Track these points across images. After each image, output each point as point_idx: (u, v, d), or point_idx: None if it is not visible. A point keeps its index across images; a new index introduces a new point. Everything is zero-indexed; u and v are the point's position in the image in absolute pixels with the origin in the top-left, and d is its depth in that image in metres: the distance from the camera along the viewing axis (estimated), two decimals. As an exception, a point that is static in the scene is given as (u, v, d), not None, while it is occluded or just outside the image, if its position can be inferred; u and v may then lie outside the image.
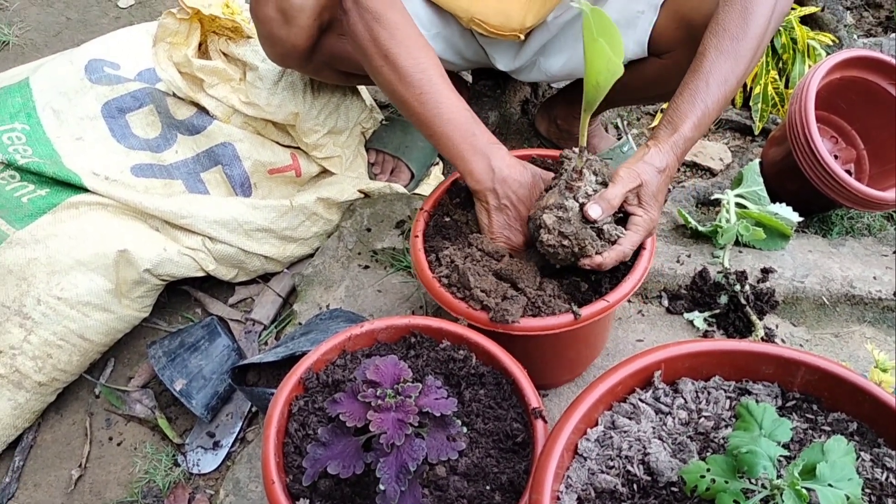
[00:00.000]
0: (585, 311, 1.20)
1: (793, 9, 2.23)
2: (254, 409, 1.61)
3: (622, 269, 1.28)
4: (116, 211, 1.67)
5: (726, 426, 0.99)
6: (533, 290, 1.25)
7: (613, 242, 1.23)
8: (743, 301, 1.58)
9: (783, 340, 1.58)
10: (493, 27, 1.63)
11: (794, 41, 2.16)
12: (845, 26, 2.44)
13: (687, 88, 1.25)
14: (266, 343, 1.74)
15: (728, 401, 1.03)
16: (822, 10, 2.43)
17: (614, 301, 1.21)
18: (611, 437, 0.98)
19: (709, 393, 1.04)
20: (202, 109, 1.81)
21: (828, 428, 0.98)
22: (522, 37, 1.65)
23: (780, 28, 2.14)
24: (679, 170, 2.17)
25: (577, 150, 1.26)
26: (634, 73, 1.64)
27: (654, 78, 1.54)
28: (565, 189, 1.23)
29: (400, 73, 1.31)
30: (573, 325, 1.20)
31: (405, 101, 1.32)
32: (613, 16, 1.58)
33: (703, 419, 1.00)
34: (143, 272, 1.64)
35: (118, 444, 1.66)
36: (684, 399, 1.03)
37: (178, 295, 1.86)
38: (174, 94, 1.81)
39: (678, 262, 1.69)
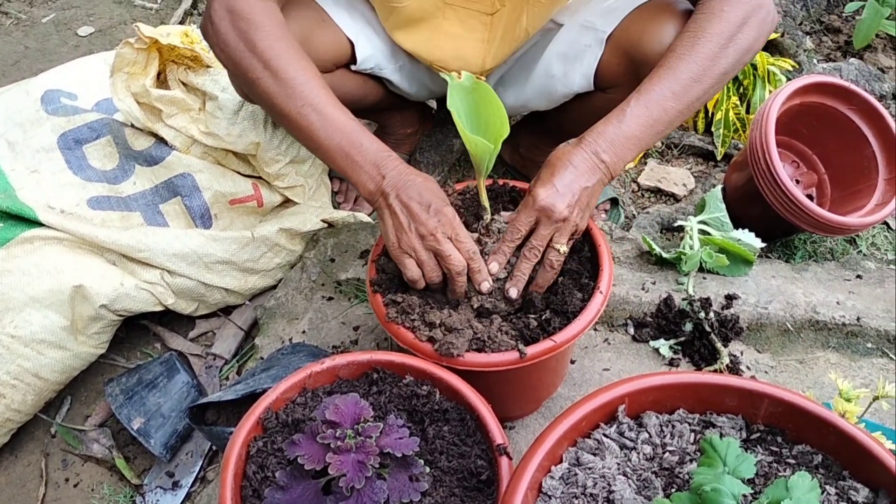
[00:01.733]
0: (531, 350, 1.19)
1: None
2: (214, 448, 1.58)
3: (577, 301, 1.27)
4: (72, 245, 1.63)
5: (691, 460, 0.98)
6: (480, 324, 1.25)
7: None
8: (708, 328, 1.57)
9: (748, 367, 1.58)
10: (454, 70, 1.63)
11: (755, 67, 2.19)
12: (805, 51, 2.47)
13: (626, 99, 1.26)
14: (227, 378, 1.71)
15: (692, 434, 1.02)
16: (782, 35, 2.46)
17: (561, 342, 1.20)
18: (575, 475, 0.97)
19: (673, 426, 1.03)
20: (161, 140, 1.78)
21: (792, 461, 0.97)
22: (484, 78, 1.65)
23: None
24: (643, 196, 2.18)
25: (486, 214, 1.29)
26: (583, 105, 1.66)
27: (601, 111, 1.56)
28: (479, 241, 1.27)
29: (280, 83, 1.26)
30: (519, 363, 1.19)
31: (286, 113, 1.27)
32: (562, 48, 1.59)
33: (667, 454, 0.99)
34: (99, 308, 1.60)
35: (75, 486, 1.62)
36: (649, 433, 1.02)
37: (136, 329, 1.82)
38: (132, 125, 1.78)
39: (643, 289, 1.68)
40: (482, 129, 1.21)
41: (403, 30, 1.61)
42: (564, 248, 1.23)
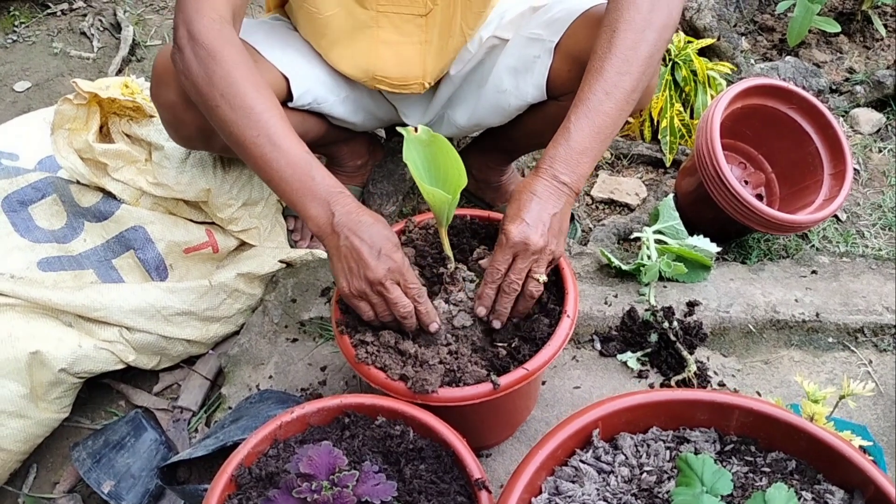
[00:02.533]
0: (504, 380, 1.19)
1: (689, 42, 2.29)
2: (188, 505, 1.55)
3: (544, 326, 1.27)
4: (25, 310, 1.59)
5: (669, 479, 0.98)
6: (451, 356, 1.25)
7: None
8: (672, 337, 1.59)
9: (715, 373, 1.60)
10: (396, 80, 1.63)
11: (695, 73, 2.22)
12: (742, 52, 2.52)
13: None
14: (196, 430, 1.68)
15: (668, 451, 1.02)
16: (718, 39, 2.51)
17: (533, 369, 1.20)
18: (556, 505, 0.96)
19: (648, 446, 1.03)
20: (108, 194, 1.75)
21: (767, 469, 0.98)
22: (427, 84, 1.65)
23: (679, 62, 2.20)
24: (598, 208, 2.20)
25: (449, 263, 1.30)
26: (537, 116, 1.67)
27: (556, 120, 1.57)
28: (443, 297, 1.30)
29: (236, 112, 1.25)
30: (493, 394, 1.19)
31: (242, 142, 1.26)
32: (511, 62, 1.61)
33: (645, 474, 0.99)
34: (58, 372, 1.56)
35: (47, 556, 1.57)
36: (625, 455, 1.02)
37: (99, 389, 1.78)
38: (77, 182, 1.75)
39: (606, 303, 1.69)
40: (440, 181, 1.23)
41: (339, 46, 1.60)
42: (544, 278, 1.25)
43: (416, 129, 1.22)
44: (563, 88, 1.56)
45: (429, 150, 1.22)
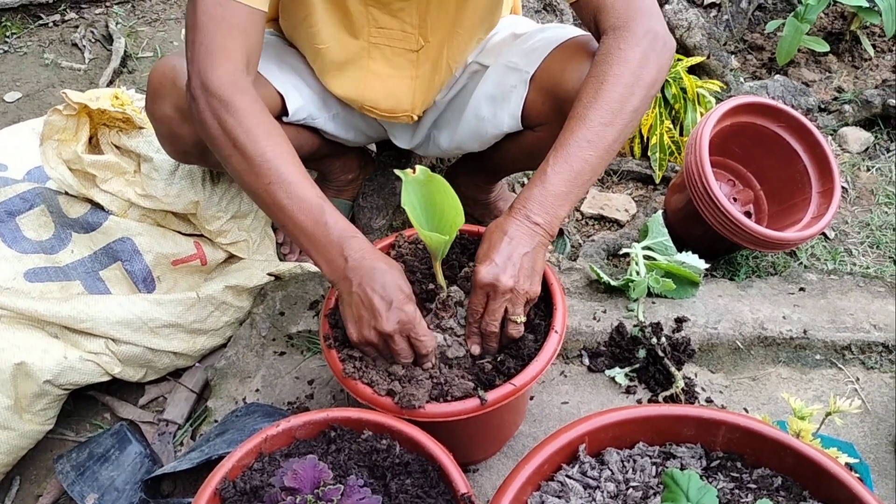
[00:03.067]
0: (492, 396, 1.19)
1: (679, 59, 2.31)
2: (173, 519, 1.53)
3: (530, 342, 1.27)
4: (11, 321, 1.58)
5: (654, 494, 0.98)
6: (438, 371, 1.25)
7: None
8: (661, 353, 1.59)
9: (703, 389, 1.60)
10: (385, 111, 1.64)
11: (684, 91, 2.24)
12: (731, 71, 2.54)
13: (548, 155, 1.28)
14: (182, 444, 1.67)
15: (654, 467, 1.02)
16: (708, 57, 2.53)
17: (521, 384, 1.20)
18: (541, 520, 0.96)
19: (634, 461, 1.03)
20: (97, 205, 1.75)
21: (753, 485, 0.98)
22: (416, 116, 1.66)
23: (669, 79, 2.21)
24: (587, 224, 2.20)
25: (441, 292, 1.30)
26: (514, 144, 1.68)
27: (531, 150, 1.56)
28: (434, 322, 1.29)
29: (248, 161, 1.25)
30: (480, 409, 1.18)
31: (255, 190, 1.27)
32: (490, 90, 1.61)
33: (631, 490, 0.99)
34: (43, 384, 1.55)
35: (29, 570, 1.56)
36: (611, 470, 1.02)
37: (84, 401, 1.77)
38: (66, 193, 1.74)
39: (595, 318, 1.70)
40: (437, 219, 1.22)
41: (332, 73, 1.61)
42: (522, 318, 1.24)
43: (413, 170, 1.21)
44: (538, 119, 1.57)
45: (426, 189, 1.22)
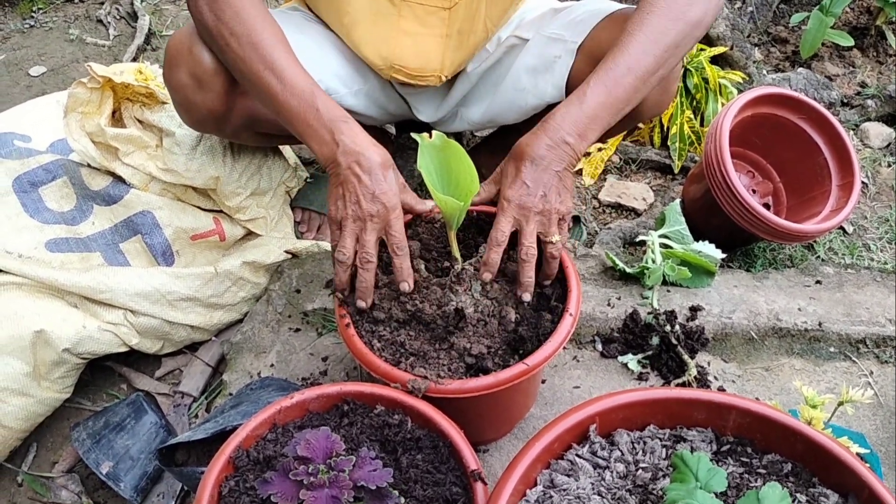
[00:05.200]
0: (504, 375, 1.19)
1: (702, 49, 2.30)
2: (186, 489, 1.55)
3: (547, 323, 1.28)
4: (31, 289, 1.61)
5: (664, 476, 0.99)
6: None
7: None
8: (674, 341, 1.59)
9: (716, 378, 1.60)
10: (414, 70, 1.63)
11: (706, 81, 2.23)
12: (754, 62, 2.53)
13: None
14: (196, 416, 1.69)
15: (664, 449, 1.02)
16: (731, 48, 2.51)
17: (533, 365, 1.20)
18: (550, 497, 0.97)
19: (644, 443, 1.04)
20: (118, 178, 1.76)
21: (763, 470, 0.99)
22: (444, 77, 1.66)
23: (691, 69, 2.21)
24: (604, 212, 2.20)
25: (456, 264, 1.30)
26: None
27: None
28: (450, 289, 1.28)
29: (245, 49, 1.28)
30: (492, 387, 1.19)
31: (250, 77, 1.29)
32: (531, 61, 1.61)
33: (640, 471, 0.99)
34: (62, 352, 1.57)
35: (44, 535, 1.58)
36: (621, 451, 1.02)
37: (101, 371, 1.79)
38: (88, 165, 1.76)
39: (609, 304, 1.70)
40: (452, 185, 1.23)
41: (360, 28, 1.61)
42: (558, 237, 1.25)
43: (430, 135, 1.23)
44: None
45: (442, 154, 1.23)
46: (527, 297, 1.27)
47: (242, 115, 1.57)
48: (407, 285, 1.26)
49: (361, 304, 1.26)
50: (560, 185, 1.25)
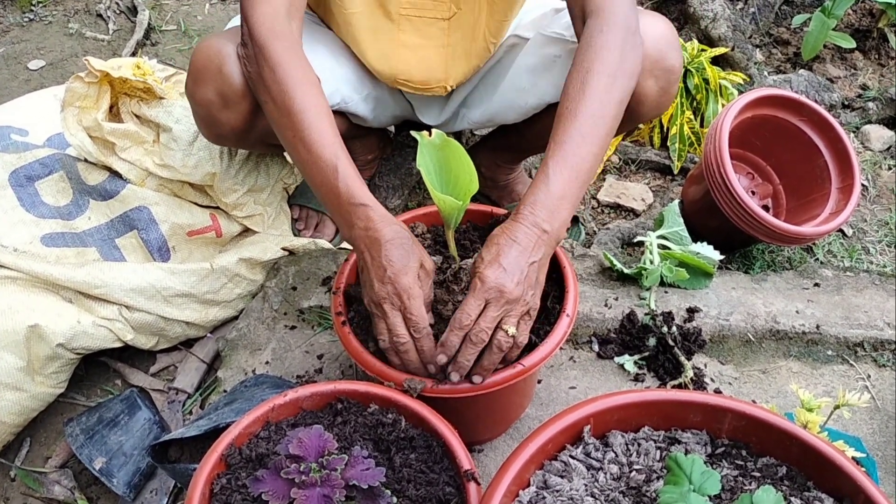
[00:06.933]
0: (500, 376, 1.19)
1: (703, 50, 2.29)
2: (179, 485, 1.55)
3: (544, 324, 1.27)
4: (26, 284, 1.60)
5: (658, 478, 0.98)
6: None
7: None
8: (671, 342, 1.58)
9: (712, 380, 1.59)
10: (419, 83, 1.63)
11: (707, 81, 2.22)
12: (755, 64, 2.52)
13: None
14: (191, 412, 1.68)
15: (658, 451, 1.02)
16: (732, 49, 2.50)
17: (529, 366, 1.20)
18: (543, 498, 0.96)
19: (639, 444, 1.03)
20: (115, 173, 1.76)
21: (758, 473, 0.98)
22: (450, 87, 1.66)
23: (692, 69, 2.20)
24: (603, 212, 2.20)
25: (454, 263, 1.28)
26: (553, 115, 1.66)
27: None
28: (445, 293, 1.25)
29: (280, 112, 1.28)
30: (486, 388, 1.18)
31: (285, 143, 1.30)
32: (531, 60, 1.60)
33: (634, 472, 0.99)
34: (56, 347, 1.56)
35: (36, 530, 1.58)
36: (615, 453, 1.02)
37: (95, 367, 1.79)
38: (85, 160, 1.76)
39: (606, 305, 1.69)
40: (451, 184, 1.22)
41: (365, 42, 1.61)
42: (513, 331, 1.17)
43: (429, 133, 1.22)
44: None
45: (441, 153, 1.22)
46: (455, 377, 1.18)
47: (264, 132, 1.54)
48: (433, 367, 1.19)
49: (442, 359, 1.17)
50: (535, 277, 1.19)
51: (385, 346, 1.20)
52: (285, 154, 2.00)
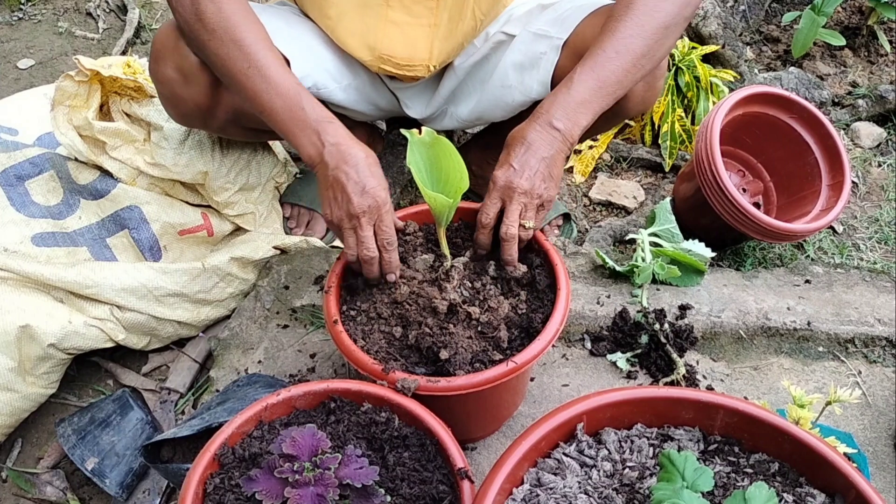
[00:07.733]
0: (492, 373, 1.19)
1: (693, 48, 2.29)
2: (171, 485, 1.54)
3: (537, 321, 1.27)
4: (17, 284, 1.59)
5: (651, 475, 0.98)
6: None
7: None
8: (663, 340, 1.59)
9: (704, 377, 1.60)
10: (402, 60, 1.62)
11: (697, 79, 2.23)
12: (746, 61, 2.53)
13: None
14: (183, 412, 1.68)
15: (651, 448, 1.02)
16: (723, 47, 2.51)
17: (521, 363, 1.20)
18: (537, 496, 0.96)
19: (632, 441, 1.03)
20: (105, 173, 1.75)
21: (750, 470, 0.98)
22: (433, 68, 1.65)
23: (683, 67, 2.20)
24: (595, 209, 2.20)
25: (445, 261, 1.32)
26: None
27: None
28: (437, 291, 1.29)
29: (227, 46, 1.28)
30: (478, 386, 1.18)
31: (233, 75, 1.30)
32: (517, 57, 1.61)
33: (627, 469, 0.99)
34: (47, 347, 1.56)
35: (28, 531, 1.57)
36: (608, 450, 1.02)
37: (87, 367, 1.78)
38: (75, 159, 1.75)
39: (598, 303, 1.69)
40: (442, 182, 1.24)
41: (347, 20, 1.59)
42: (532, 224, 1.28)
43: (419, 131, 1.22)
44: None
45: (431, 151, 1.23)
46: (514, 271, 1.31)
47: (229, 109, 1.55)
48: (393, 276, 1.29)
49: (392, 277, 1.29)
50: (547, 171, 1.27)
51: (350, 258, 1.27)
52: (273, 148, 1.99)
